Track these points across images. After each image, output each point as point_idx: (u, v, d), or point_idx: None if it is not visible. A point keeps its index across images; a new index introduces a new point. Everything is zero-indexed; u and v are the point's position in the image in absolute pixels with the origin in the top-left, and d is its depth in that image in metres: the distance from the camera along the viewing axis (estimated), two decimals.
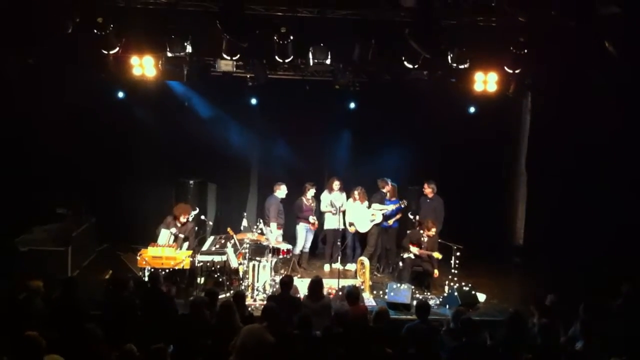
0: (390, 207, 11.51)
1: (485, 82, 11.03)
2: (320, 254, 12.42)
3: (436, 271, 10.46)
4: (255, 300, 9.61)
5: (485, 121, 12.00)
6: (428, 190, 11.33)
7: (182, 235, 10.25)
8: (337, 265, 11.15)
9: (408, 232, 11.08)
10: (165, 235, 10.07)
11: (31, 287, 7.29)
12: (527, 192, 12.71)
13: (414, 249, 10.55)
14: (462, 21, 9.55)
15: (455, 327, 7.08)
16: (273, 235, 10.89)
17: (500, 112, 11.99)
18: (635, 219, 9.79)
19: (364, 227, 11.54)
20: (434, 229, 10.52)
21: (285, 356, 6.30)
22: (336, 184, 11.76)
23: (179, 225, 10.26)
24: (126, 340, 5.94)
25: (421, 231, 10.61)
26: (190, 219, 10.41)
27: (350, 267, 11.74)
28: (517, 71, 10.39)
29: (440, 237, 10.77)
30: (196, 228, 10.79)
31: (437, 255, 10.42)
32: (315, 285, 8.04)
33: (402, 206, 11.49)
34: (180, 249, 10.06)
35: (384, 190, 11.64)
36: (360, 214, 11.55)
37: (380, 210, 11.47)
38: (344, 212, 11.46)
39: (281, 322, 6.77)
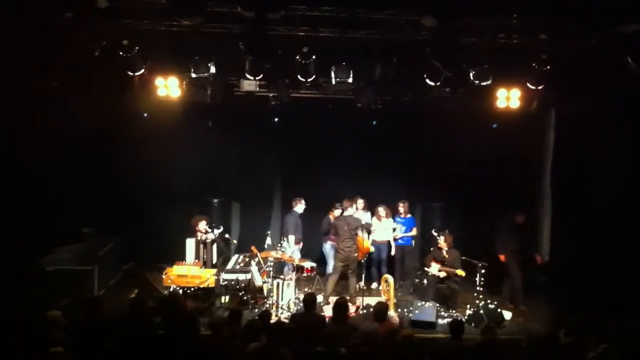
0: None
1: (508, 98, 11.01)
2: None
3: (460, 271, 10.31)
4: (279, 319, 9.61)
5: (509, 137, 11.89)
6: None
7: (209, 239, 10.49)
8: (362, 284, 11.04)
9: (432, 249, 11.04)
10: (190, 244, 10.40)
11: (48, 320, 6.86)
12: (551, 208, 12.57)
13: (435, 266, 10.49)
14: (483, 39, 9.57)
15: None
16: (290, 249, 10.91)
17: (524, 128, 11.86)
18: None
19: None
20: (445, 243, 10.48)
21: None
22: (360, 203, 11.70)
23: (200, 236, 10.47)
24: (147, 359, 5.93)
25: (442, 249, 10.53)
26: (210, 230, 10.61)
27: (375, 286, 11.72)
28: (540, 87, 10.35)
29: (465, 254, 10.65)
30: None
31: (460, 272, 10.27)
32: (339, 308, 7.68)
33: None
34: (212, 254, 10.51)
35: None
36: (387, 232, 11.57)
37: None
38: (369, 231, 11.41)
39: (295, 340, 6.69)
